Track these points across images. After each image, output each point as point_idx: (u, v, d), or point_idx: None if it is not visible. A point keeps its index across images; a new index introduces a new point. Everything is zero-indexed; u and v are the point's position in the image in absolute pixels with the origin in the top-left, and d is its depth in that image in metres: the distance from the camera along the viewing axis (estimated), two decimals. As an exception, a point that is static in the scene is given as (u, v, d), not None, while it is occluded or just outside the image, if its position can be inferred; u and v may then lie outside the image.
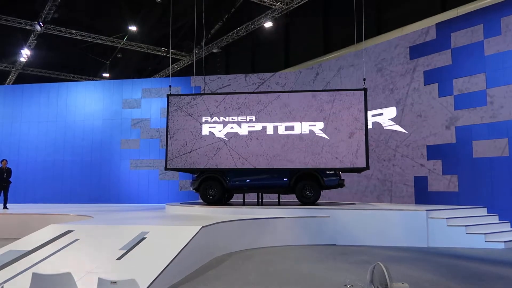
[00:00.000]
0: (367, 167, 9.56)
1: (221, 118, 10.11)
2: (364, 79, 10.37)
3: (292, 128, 9.85)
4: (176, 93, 11.50)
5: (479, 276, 5.61)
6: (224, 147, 9.99)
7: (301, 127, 9.84)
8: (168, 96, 10.43)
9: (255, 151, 9.88)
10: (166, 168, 10.26)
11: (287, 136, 9.84)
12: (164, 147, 11.27)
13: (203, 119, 10.17)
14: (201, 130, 10.14)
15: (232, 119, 10.09)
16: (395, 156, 11.99)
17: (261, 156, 9.85)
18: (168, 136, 10.22)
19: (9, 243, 5.83)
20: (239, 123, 10.05)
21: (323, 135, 9.73)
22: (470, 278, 5.51)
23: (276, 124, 9.93)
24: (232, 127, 10.08)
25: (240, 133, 10.03)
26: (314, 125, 9.79)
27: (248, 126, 10.03)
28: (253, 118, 10.02)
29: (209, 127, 10.14)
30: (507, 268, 6.18)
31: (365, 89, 9.74)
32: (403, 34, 12.40)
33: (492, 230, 8.36)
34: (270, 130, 9.94)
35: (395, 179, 11.96)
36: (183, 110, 10.27)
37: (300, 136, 9.80)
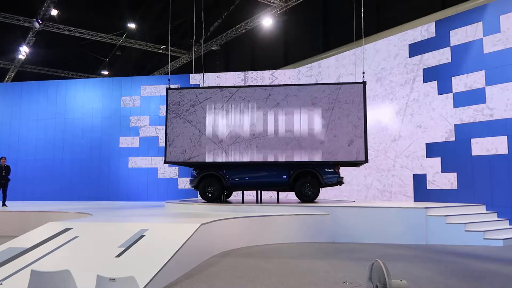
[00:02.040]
0: (366, 161, 9.59)
1: (221, 120, 10.08)
2: (363, 72, 10.36)
3: (291, 126, 9.83)
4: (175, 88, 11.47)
5: (478, 273, 5.62)
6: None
7: (301, 126, 9.83)
8: (167, 89, 10.42)
9: (255, 149, 9.86)
10: (165, 162, 10.26)
11: (287, 134, 9.82)
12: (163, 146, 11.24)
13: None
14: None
15: (231, 119, 10.06)
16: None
17: (260, 154, 9.83)
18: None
19: (8, 241, 5.83)
20: (238, 124, 10.02)
21: (323, 133, 9.71)
22: (469, 275, 5.52)
23: (275, 122, 9.90)
24: (231, 128, 10.03)
25: (239, 133, 10.00)
26: (314, 123, 9.78)
27: (248, 125, 10.00)
28: (253, 116, 10.00)
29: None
30: (505, 265, 6.19)
31: (364, 82, 9.74)
32: (402, 32, 12.36)
33: (491, 228, 8.39)
34: (270, 129, 9.92)
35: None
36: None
37: (300, 135, 9.78)
